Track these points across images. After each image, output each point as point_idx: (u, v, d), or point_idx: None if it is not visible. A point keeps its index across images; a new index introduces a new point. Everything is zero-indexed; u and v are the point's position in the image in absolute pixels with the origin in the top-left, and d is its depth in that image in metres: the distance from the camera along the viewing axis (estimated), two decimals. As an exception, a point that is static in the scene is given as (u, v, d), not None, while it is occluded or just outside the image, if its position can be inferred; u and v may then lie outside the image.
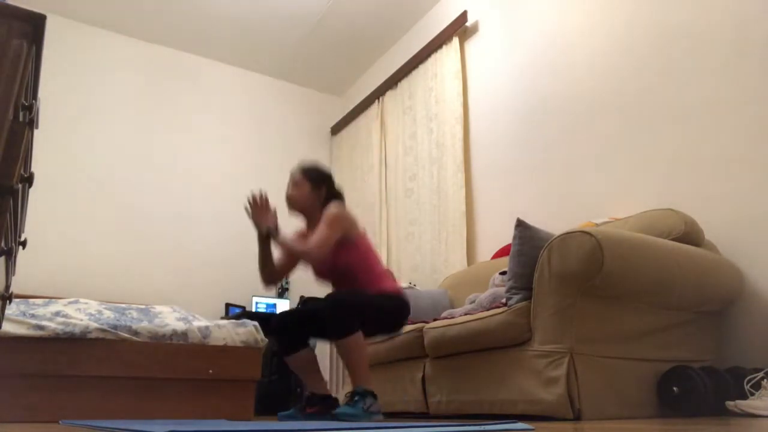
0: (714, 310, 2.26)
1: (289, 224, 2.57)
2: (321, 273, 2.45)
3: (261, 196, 2.32)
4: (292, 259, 2.46)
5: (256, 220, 2.32)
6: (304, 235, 2.50)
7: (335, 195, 2.49)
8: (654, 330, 2.09)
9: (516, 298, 2.11)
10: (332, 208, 2.30)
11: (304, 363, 2.37)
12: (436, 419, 2.35)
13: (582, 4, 3.26)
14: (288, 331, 2.37)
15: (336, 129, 5.71)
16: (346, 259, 2.33)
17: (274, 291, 5.05)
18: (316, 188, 2.44)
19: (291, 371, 4.25)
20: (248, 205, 2.32)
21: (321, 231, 2.24)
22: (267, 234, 2.32)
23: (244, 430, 1.30)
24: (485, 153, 3.81)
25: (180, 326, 2.78)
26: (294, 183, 2.45)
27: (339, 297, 2.13)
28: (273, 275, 2.43)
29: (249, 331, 2.93)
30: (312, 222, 2.46)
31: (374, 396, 2.06)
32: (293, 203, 2.44)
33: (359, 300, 2.15)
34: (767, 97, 2.33)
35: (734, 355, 2.27)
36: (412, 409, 2.60)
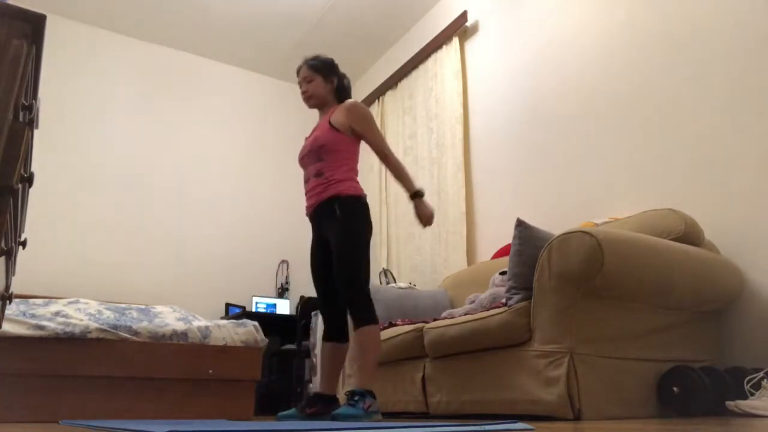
0: (714, 310, 2.26)
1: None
2: (309, 156, 2.45)
3: None
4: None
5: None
6: (316, 128, 2.52)
7: (344, 82, 2.55)
8: (654, 330, 2.09)
9: (516, 298, 2.11)
10: (359, 106, 2.41)
11: (336, 356, 2.38)
12: (436, 419, 2.35)
13: (581, 4, 3.26)
14: (337, 319, 2.40)
15: (336, 129, 5.70)
16: (336, 141, 2.37)
17: (273, 292, 5.05)
18: (327, 79, 2.51)
19: (291, 371, 4.25)
20: None
21: (371, 134, 2.39)
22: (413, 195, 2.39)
23: (244, 430, 1.30)
24: (485, 153, 3.81)
25: (180, 326, 2.78)
26: (305, 79, 2.51)
27: (360, 288, 2.21)
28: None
29: (249, 331, 2.94)
30: (324, 112, 2.52)
31: (373, 396, 2.06)
32: (311, 99, 2.49)
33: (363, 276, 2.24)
34: (767, 96, 2.33)
35: (734, 355, 2.27)
36: (412, 409, 2.60)
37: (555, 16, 3.43)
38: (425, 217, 2.36)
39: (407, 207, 4.40)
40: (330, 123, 2.41)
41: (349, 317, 2.31)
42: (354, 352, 2.22)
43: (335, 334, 2.39)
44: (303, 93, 2.52)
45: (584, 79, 3.17)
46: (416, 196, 2.35)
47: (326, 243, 2.40)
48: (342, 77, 2.57)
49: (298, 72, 2.56)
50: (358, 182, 2.41)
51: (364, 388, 2.09)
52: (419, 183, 4.28)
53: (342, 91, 2.55)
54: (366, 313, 2.18)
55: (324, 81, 2.52)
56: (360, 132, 2.40)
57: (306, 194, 2.45)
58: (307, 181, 2.46)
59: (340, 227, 2.27)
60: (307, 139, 2.54)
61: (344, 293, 2.21)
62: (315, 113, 5.78)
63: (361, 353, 2.13)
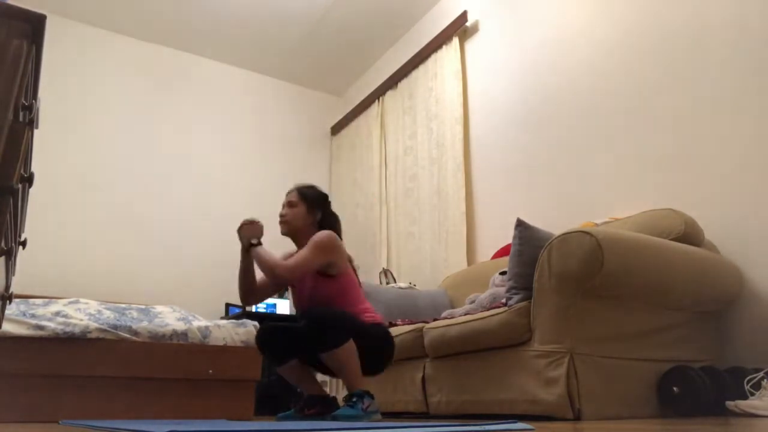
0: (714, 310, 2.26)
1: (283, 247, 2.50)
2: (299, 302, 2.33)
3: (253, 220, 2.30)
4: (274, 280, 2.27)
5: (240, 232, 2.30)
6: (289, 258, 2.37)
7: (330, 220, 2.37)
8: (654, 330, 2.09)
9: (516, 298, 2.11)
10: (322, 234, 2.20)
11: (297, 371, 2.30)
12: (436, 419, 2.35)
13: (582, 3, 3.26)
14: (275, 346, 2.26)
15: (336, 129, 5.71)
16: (327, 291, 2.22)
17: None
18: (311, 210, 2.34)
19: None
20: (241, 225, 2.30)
21: (303, 253, 2.15)
22: (248, 246, 2.26)
23: (244, 430, 1.30)
24: (485, 153, 3.81)
25: (180, 326, 2.78)
26: (289, 202, 2.36)
27: (325, 309, 2.05)
28: (252, 294, 2.34)
29: (249, 331, 2.94)
30: (301, 246, 2.33)
31: (371, 396, 2.06)
32: (286, 223, 2.33)
33: (346, 315, 2.08)
34: (767, 96, 2.33)
35: (734, 355, 2.27)
36: (412, 409, 2.60)
37: (555, 16, 3.43)
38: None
39: (407, 207, 4.40)
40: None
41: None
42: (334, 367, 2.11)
43: (282, 361, 2.29)
44: (280, 216, 2.35)
45: (584, 79, 3.17)
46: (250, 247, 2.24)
47: None
48: (330, 215, 2.39)
49: (287, 195, 2.41)
50: (372, 313, 2.26)
51: (360, 389, 2.08)
52: (419, 183, 4.28)
53: (324, 227, 2.33)
54: (328, 338, 2.01)
55: (306, 211, 2.33)
56: (326, 263, 2.20)
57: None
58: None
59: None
60: (287, 257, 2.36)
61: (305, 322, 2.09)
62: (315, 114, 5.78)
63: (340, 370, 2.05)
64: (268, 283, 2.36)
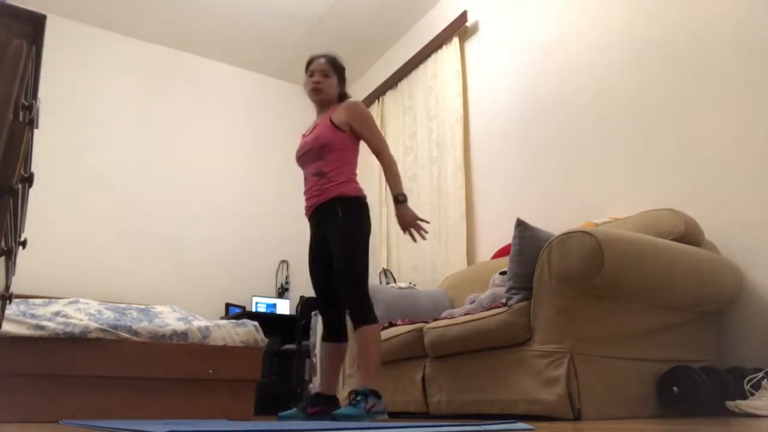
0: (714, 310, 2.26)
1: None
2: (309, 155, 2.44)
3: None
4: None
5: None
6: (315, 126, 2.52)
7: (346, 92, 2.60)
8: (654, 330, 2.09)
9: (516, 298, 2.11)
10: (356, 105, 2.44)
11: (335, 356, 2.38)
12: (436, 419, 2.35)
13: (582, 3, 3.26)
14: (336, 319, 2.40)
15: (336, 129, 5.70)
16: (337, 140, 2.37)
17: (273, 292, 5.05)
18: (340, 81, 2.55)
19: (291, 371, 4.25)
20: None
21: (370, 132, 2.40)
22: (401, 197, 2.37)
23: (244, 430, 1.30)
24: (485, 153, 3.81)
25: (180, 326, 2.78)
26: (322, 72, 2.50)
27: (360, 288, 2.21)
28: None
29: (249, 331, 2.94)
30: (324, 111, 2.53)
31: (378, 396, 2.05)
32: (321, 91, 2.49)
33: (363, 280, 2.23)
34: (767, 96, 2.33)
35: (734, 355, 2.27)
36: (412, 409, 2.60)
37: (555, 16, 3.43)
38: (404, 223, 2.32)
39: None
40: (331, 121, 2.41)
41: (348, 317, 2.31)
42: (354, 352, 2.22)
43: (334, 334, 2.39)
44: (315, 83, 2.49)
45: (584, 79, 3.17)
46: (396, 201, 2.32)
47: (326, 243, 2.39)
48: (344, 85, 2.62)
49: (311, 61, 2.55)
50: (358, 183, 2.41)
51: (366, 387, 2.08)
52: (419, 183, 4.28)
53: (343, 98, 2.57)
54: (366, 313, 2.18)
55: (337, 82, 2.54)
56: (359, 129, 2.41)
57: (305, 194, 2.45)
58: (306, 179, 2.45)
59: (341, 228, 2.27)
60: (304, 136, 2.53)
61: (344, 293, 2.21)
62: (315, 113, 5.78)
63: (362, 353, 2.13)
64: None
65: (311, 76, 2.52)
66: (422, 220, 2.34)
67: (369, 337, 2.14)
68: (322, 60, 2.53)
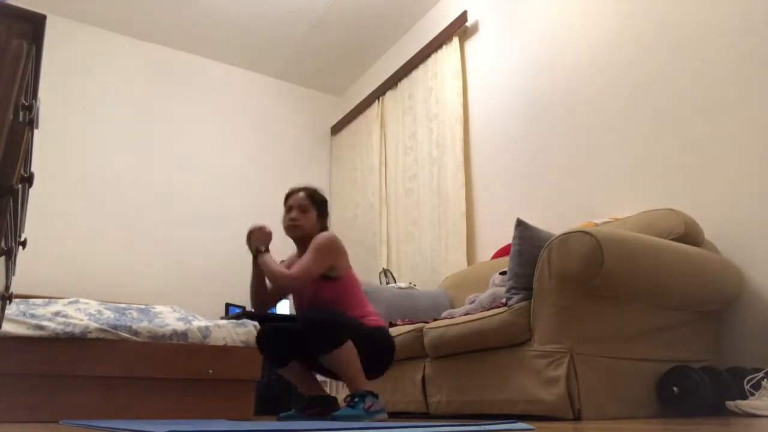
0: (714, 310, 2.26)
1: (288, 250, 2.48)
2: (300, 305, 2.32)
3: (262, 226, 2.30)
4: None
5: (249, 239, 2.30)
6: (293, 263, 2.39)
7: (326, 223, 2.40)
8: (654, 330, 2.09)
9: (516, 298, 2.11)
10: (322, 237, 2.19)
11: (298, 373, 2.30)
12: (436, 419, 2.35)
13: (581, 3, 3.26)
14: (276, 348, 2.25)
15: (336, 129, 5.71)
16: (328, 294, 2.21)
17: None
18: (320, 216, 2.35)
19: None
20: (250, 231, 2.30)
21: (308, 258, 2.14)
22: (256, 253, 2.26)
23: (244, 430, 1.30)
24: (485, 153, 3.81)
25: (180, 326, 2.78)
26: (299, 207, 2.31)
27: (323, 312, 2.03)
28: (264, 300, 2.34)
29: (249, 331, 2.94)
30: (304, 248, 2.32)
31: (375, 395, 2.05)
32: (299, 228, 2.29)
33: (343, 316, 2.07)
34: (767, 96, 2.33)
35: (734, 355, 2.27)
36: (412, 409, 2.60)
37: (555, 16, 3.43)
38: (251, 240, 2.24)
39: (407, 207, 4.40)
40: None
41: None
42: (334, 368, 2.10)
43: (283, 363, 2.29)
44: (292, 220, 2.29)
45: (584, 79, 3.17)
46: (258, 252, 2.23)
47: None
48: (326, 218, 2.41)
49: (289, 195, 2.37)
50: (375, 316, 2.25)
51: (361, 390, 2.07)
52: (419, 183, 4.28)
53: (324, 228, 2.37)
54: (333, 338, 2.01)
55: (317, 216, 2.34)
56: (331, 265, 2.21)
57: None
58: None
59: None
60: (288, 265, 2.37)
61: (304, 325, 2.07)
62: (315, 114, 5.78)
63: (341, 371, 2.04)
64: (276, 290, 2.36)
65: (289, 211, 2.33)
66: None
67: (340, 359, 2.00)
68: (301, 194, 2.34)
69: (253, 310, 2.32)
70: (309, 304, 2.27)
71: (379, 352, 2.17)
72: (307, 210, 2.32)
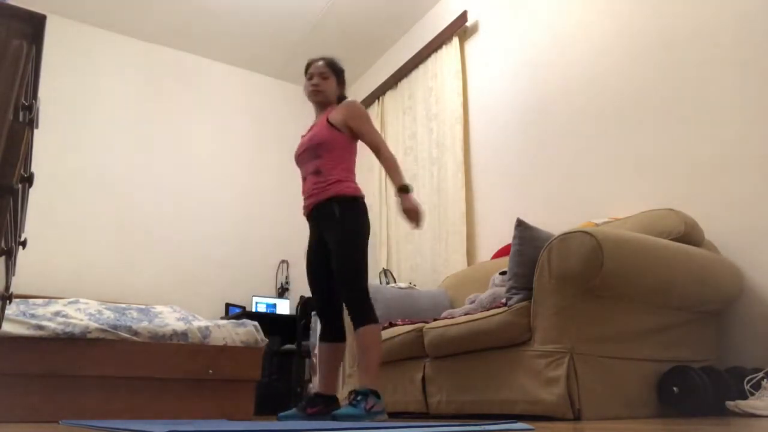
0: (714, 310, 2.26)
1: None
2: (305, 155, 2.46)
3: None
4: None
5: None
6: (314, 126, 2.55)
7: (345, 94, 2.63)
8: (654, 330, 2.09)
9: (516, 298, 2.11)
10: (354, 104, 2.47)
11: (334, 356, 2.38)
12: (436, 419, 2.35)
13: (582, 3, 3.26)
14: (334, 319, 2.40)
15: (336, 129, 5.70)
16: (334, 139, 2.39)
17: (274, 291, 5.06)
18: (339, 83, 2.59)
19: (291, 371, 4.25)
20: None
21: (368, 130, 2.42)
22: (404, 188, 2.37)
23: (244, 430, 1.30)
24: (485, 153, 3.81)
25: (180, 326, 2.78)
26: (321, 74, 2.53)
27: (360, 288, 2.21)
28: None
29: (249, 331, 2.94)
30: (322, 112, 2.55)
31: (378, 395, 2.05)
32: (320, 92, 2.52)
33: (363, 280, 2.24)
34: (767, 96, 2.33)
35: (734, 355, 2.27)
36: (412, 409, 2.60)
37: (555, 16, 3.43)
38: (409, 212, 2.30)
39: (407, 207, 4.40)
40: (328, 121, 2.42)
41: (347, 317, 2.30)
42: (354, 351, 2.22)
43: (332, 334, 2.39)
44: (314, 86, 2.52)
45: (584, 79, 3.17)
46: (402, 190, 2.31)
47: (324, 243, 2.39)
48: (344, 86, 2.65)
49: (309, 65, 2.57)
50: (356, 182, 2.42)
51: (366, 388, 2.08)
52: (419, 183, 4.28)
53: (342, 100, 2.59)
54: (366, 313, 2.18)
55: (336, 83, 2.58)
56: (356, 128, 2.42)
57: (303, 193, 2.45)
58: (304, 179, 2.46)
59: (339, 228, 2.27)
60: (303, 137, 2.55)
61: (344, 293, 2.21)
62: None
63: (362, 353, 2.13)
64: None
65: (310, 78, 2.55)
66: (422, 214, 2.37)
67: (369, 337, 2.14)
68: (321, 63, 2.55)
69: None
70: (315, 150, 2.41)
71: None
72: (328, 77, 2.55)
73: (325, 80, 2.54)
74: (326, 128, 2.41)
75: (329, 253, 2.35)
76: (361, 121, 2.43)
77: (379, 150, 2.39)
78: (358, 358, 2.17)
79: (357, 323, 2.17)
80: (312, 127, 2.53)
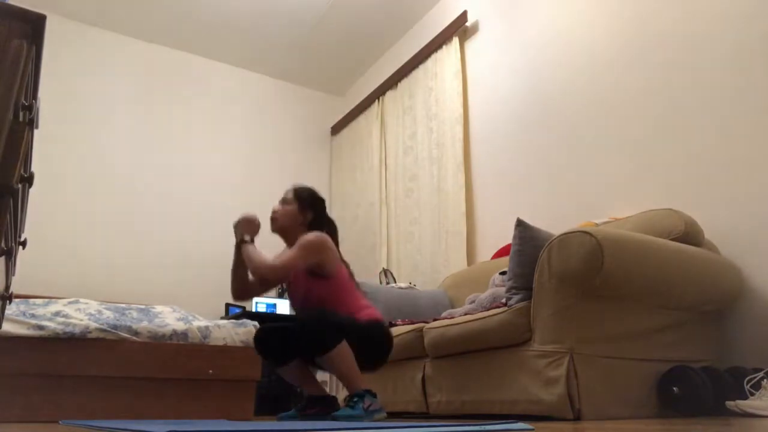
0: (714, 310, 2.26)
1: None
2: (294, 303, 2.34)
3: (251, 217, 2.30)
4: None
5: (236, 227, 2.30)
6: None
7: (323, 222, 2.35)
8: (654, 330, 2.09)
9: (516, 298, 2.11)
10: (310, 234, 2.19)
11: (297, 372, 2.30)
12: (436, 419, 2.35)
13: (581, 3, 3.26)
14: (273, 348, 2.26)
15: (336, 129, 5.71)
16: (319, 292, 2.21)
17: (273, 292, 5.05)
18: (303, 210, 2.33)
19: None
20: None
21: (288, 253, 2.14)
22: (240, 242, 2.26)
23: (244, 430, 1.30)
24: (485, 153, 3.81)
25: (180, 326, 2.78)
26: (282, 200, 2.38)
27: (315, 312, 2.04)
28: (244, 290, 2.34)
29: (249, 331, 2.94)
30: (290, 246, 2.33)
31: (373, 395, 2.05)
32: (275, 220, 2.35)
33: (336, 315, 2.05)
34: (767, 96, 2.33)
35: (734, 355, 2.27)
36: (412, 409, 2.60)
37: (555, 16, 3.43)
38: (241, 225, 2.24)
39: (407, 207, 4.40)
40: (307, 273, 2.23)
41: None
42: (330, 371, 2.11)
43: (282, 362, 2.28)
44: (272, 212, 2.37)
45: (584, 79, 3.17)
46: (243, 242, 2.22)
47: None
48: (323, 218, 2.37)
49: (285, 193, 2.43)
50: (364, 309, 2.23)
51: (360, 390, 2.07)
52: (419, 183, 4.28)
53: (315, 228, 2.30)
54: (327, 340, 2.00)
55: (298, 210, 2.33)
56: (317, 263, 2.19)
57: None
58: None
59: None
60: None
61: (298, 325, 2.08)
62: (315, 113, 5.78)
63: (338, 372, 2.03)
64: (258, 282, 2.36)
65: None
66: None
67: (335, 360, 2.00)
68: (289, 190, 2.39)
69: (234, 301, 2.31)
70: (302, 302, 2.28)
71: (375, 344, 2.16)
72: (289, 203, 2.35)
73: (284, 206, 2.35)
74: (307, 280, 2.22)
75: None
76: (297, 245, 2.16)
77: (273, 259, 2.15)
78: (336, 377, 2.06)
79: (319, 354, 2.01)
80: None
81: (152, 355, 2.65)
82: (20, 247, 2.81)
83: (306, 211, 2.34)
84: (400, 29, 4.92)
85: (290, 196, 2.36)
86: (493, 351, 2.18)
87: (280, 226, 2.34)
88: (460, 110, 3.97)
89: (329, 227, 2.36)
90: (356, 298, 2.26)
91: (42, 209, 4.29)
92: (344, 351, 2.01)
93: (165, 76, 5.08)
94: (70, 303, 2.81)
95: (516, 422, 1.51)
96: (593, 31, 3.17)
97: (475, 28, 4.09)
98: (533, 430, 1.34)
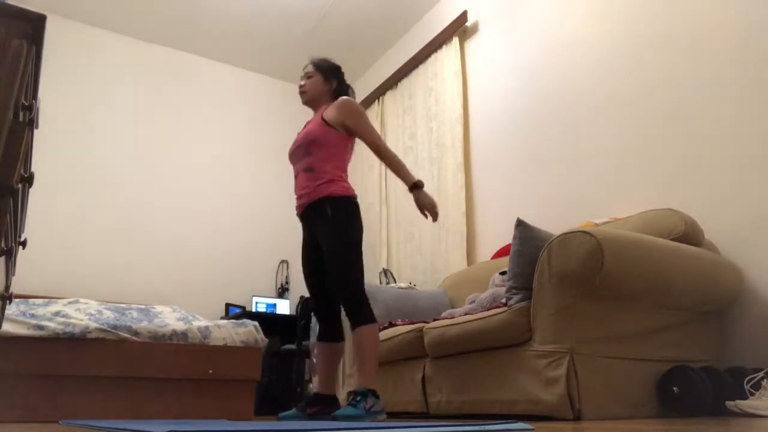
0: (714, 310, 2.26)
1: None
2: (296, 141, 2.49)
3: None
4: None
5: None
6: (308, 123, 2.54)
7: (344, 88, 2.57)
8: (654, 330, 2.09)
9: (516, 298, 2.11)
10: (346, 101, 2.42)
11: (331, 357, 2.38)
12: (436, 419, 2.35)
13: (582, 3, 3.26)
14: (331, 318, 2.41)
15: (336, 129, 5.70)
16: (327, 136, 2.37)
17: (273, 292, 5.06)
18: (327, 79, 2.54)
19: (291, 371, 4.26)
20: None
21: (364, 128, 2.39)
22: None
23: (244, 430, 1.30)
24: (485, 153, 3.81)
25: (180, 326, 2.78)
26: (306, 74, 2.55)
27: (355, 288, 2.21)
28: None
29: (249, 331, 2.94)
30: (317, 111, 2.55)
31: (376, 396, 2.05)
32: (305, 93, 2.53)
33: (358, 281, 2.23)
34: (767, 96, 2.33)
35: (734, 355, 2.27)
36: (412, 409, 2.60)
37: (555, 16, 3.43)
38: (426, 206, 2.32)
39: (407, 207, 4.40)
40: (322, 118, 2.42)
41: (345, 317, 2.30)
42: (353, 352, 2.22)
43: (330, 334, 2.39)
44: (299, 87, 2.56)
45: (584, 79, 3.17)
46: (415, 188, 2.32)
47: (317, 243, 2.40)
48: (343, 83, 2.59)
49: (303, 69, 2.61)
50: (347, 181, 2.41)
51: (365, 388, 2.09)
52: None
53: (339, 94, 2.54)
54: (363, 313, 2.17)
55: (323, 80, 2.54)
56: (352, 127, 2.40)
57: (296, 192, 2.45)
58: (296, 176, 2.45)
59: (331, 228, 2.26)
60: (298, 134, 2.55)
61: (339, 293, 2.21)
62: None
63: (360, 353, 2.13)
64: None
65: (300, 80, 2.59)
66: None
67: (366, 337, 2.14)
68: (308, 64, 2.58)
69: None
70: (303, 138, 2.42)
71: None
72: (312, 76, 2.54)
73: (309, 79, 2.54)
74: (320, 125, 2.40)
75: (322, 253, 2.35)
76: (358, 120, 2.41)
77: (380, 149, 2.37)
78: (355, 358, 2.17)
79: (354, 323, 2.17)
80: (306, 125, 2.53)
81: (152, 355, 2.65)
82: (20, 247, 2.81)
83: (330, 80, 2.55)
84: (400, 29, 4.92)
85: (311, 69, 2.55)
86: (493, 351, 2.18)
87: (310, 97, 2.54)
88: (460, 110, 3.97)
89: (348, 92, 2.59)
90: (345, 165, 2.45)
91: (42, 209, 4.29)
92: (376, 337, 2.18)
93: (165, 76, 5.08)
94: (70, 303, 2.81)
95: (516, 422, 1.51)
96: (593, 31, 3.17)
97: (475, 28, 4.09)
98: (533, 430, 1.34)
